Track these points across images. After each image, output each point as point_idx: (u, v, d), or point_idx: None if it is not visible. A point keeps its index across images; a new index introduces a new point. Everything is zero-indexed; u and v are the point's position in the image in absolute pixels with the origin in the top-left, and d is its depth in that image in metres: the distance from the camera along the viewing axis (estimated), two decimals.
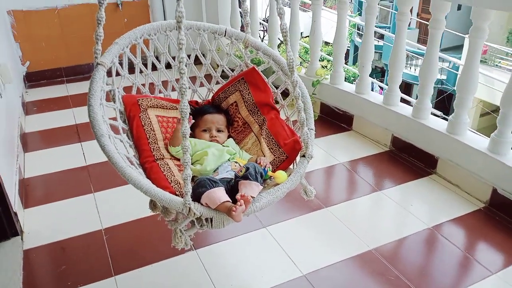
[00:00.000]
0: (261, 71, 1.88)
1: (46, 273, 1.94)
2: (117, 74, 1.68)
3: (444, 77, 12.11)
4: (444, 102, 10.99)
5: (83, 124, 3.33)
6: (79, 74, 4.38)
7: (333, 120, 3.32)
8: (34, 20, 4.01)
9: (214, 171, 1.60)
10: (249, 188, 1.41)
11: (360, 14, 14.19)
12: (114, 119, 1.63)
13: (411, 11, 2.74)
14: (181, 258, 1.99)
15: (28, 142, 3.10)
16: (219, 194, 1.37)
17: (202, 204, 1.36)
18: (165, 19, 4.45)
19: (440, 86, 12.20)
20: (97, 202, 2.40)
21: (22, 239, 2.11)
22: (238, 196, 1.36)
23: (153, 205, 1.69)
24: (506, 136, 2.26)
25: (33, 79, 4.19)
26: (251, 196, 1.39)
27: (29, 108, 3.66)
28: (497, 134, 2.29)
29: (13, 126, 2.90)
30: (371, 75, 3.13)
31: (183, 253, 2.01)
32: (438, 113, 3.74)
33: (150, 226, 2.20)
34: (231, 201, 1.38)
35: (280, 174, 1.55)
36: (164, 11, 4.46)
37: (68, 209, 2.36)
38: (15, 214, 2.11)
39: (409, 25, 3.44)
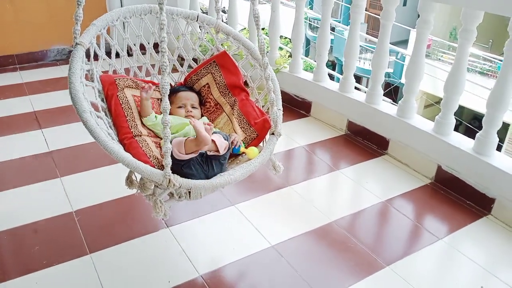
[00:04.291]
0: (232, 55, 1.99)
1: (20, 254, 1.95)
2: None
3: (391, 70, 12.70)
4: (391, 94, 11.55)
5: (42, 111, 3.28)
6: (33, 61, 4.26)
7: (293, 107, 3.48)
8: None
9: None
10: (218, 138, 1.53)
11: (311, 8, 14.54)
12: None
13: None
14: (156, 235, 2.07)
15: None
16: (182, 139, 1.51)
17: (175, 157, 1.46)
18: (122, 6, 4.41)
19: (387, 78, 12.79)
20: (65, 186, 2.41)
21: None
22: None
23: (129, 181, 1.76)
24: (449, 118, 2.51)
25: None
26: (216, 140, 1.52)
27: None
28: (441, 116, 2.54)
29: None
30: None
31: (157, 230, 2.09)
32: (388, 100, 4.01)
33: (120, 207, 2.26)
34: None
35: (252, 150, 1.68)
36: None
37: (35, 194, 2.36)
38: None
39: None
